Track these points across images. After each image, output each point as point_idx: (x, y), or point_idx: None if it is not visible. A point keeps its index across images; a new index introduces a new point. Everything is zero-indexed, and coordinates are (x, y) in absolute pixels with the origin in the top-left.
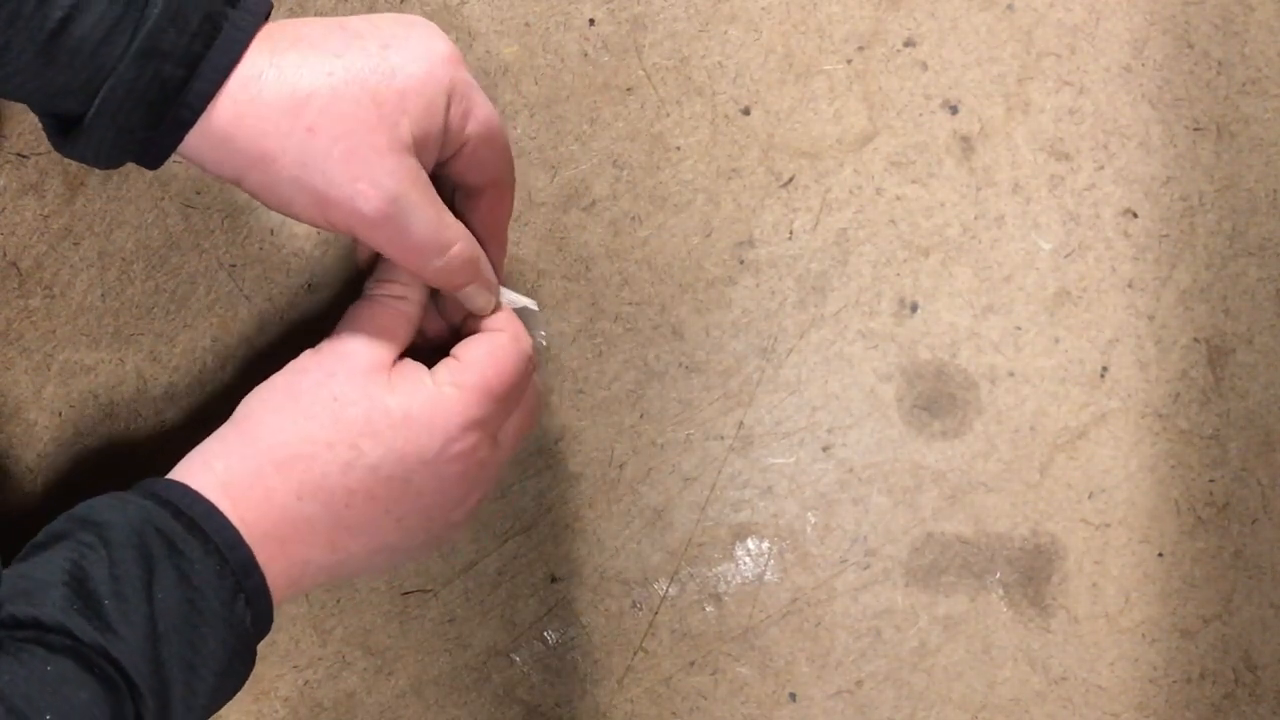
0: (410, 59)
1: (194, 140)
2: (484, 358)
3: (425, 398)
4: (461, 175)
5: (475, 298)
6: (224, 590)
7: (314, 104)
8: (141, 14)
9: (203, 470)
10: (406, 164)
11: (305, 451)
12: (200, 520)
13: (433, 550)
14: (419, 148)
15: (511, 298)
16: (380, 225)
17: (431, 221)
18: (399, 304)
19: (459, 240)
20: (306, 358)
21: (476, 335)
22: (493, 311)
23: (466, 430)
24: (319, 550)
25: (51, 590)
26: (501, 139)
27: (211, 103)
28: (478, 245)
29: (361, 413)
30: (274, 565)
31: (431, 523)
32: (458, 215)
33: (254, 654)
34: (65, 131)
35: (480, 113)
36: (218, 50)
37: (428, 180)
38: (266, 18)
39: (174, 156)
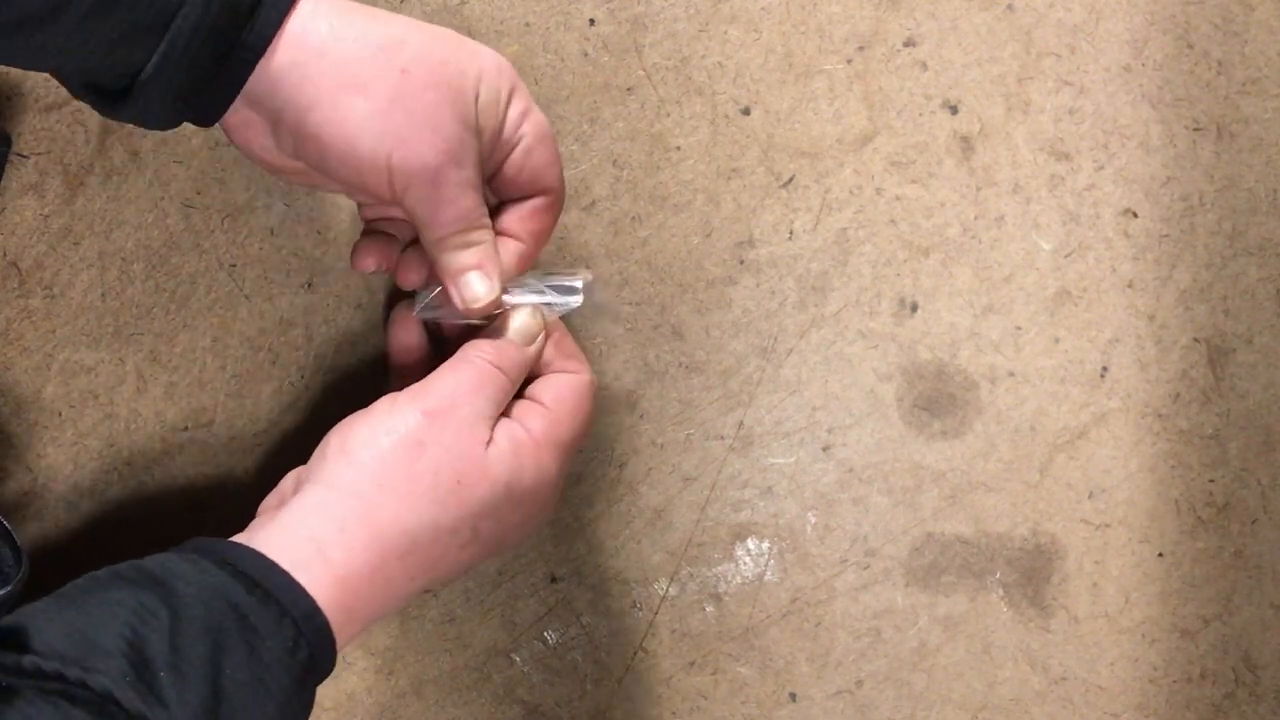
0: (484, 50)
1: (262, 75)
2: (571, 402)
3: (534, 463)
4: (514, 178)
5: (473, 287)
6: (295, 666)
7: (410, 48)
8: None
9: (316, 558)
10: (471, 138)
11: (427, 539)
12: (276, 592)
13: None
14: (481, 128)
15: (562, 282)
16: (433, 179)
17: (474, 195)
18: (502, 380)
19: (486, 226)
20: (420, 427)
21: (561, 378)
22: (481, 308)
23: (560, 487)
24: (399, 603)
25: (108, 656)
26: (553, 146)
27: (303, 15)
28: (494, 240)
29: (484, 495)
30: (352, 628)
31: (502, 548)
32: (506, 218)
33: (313, 697)
34: (119, 93)
35: (536, 116)
36: None
37: (480, 166)
38: None
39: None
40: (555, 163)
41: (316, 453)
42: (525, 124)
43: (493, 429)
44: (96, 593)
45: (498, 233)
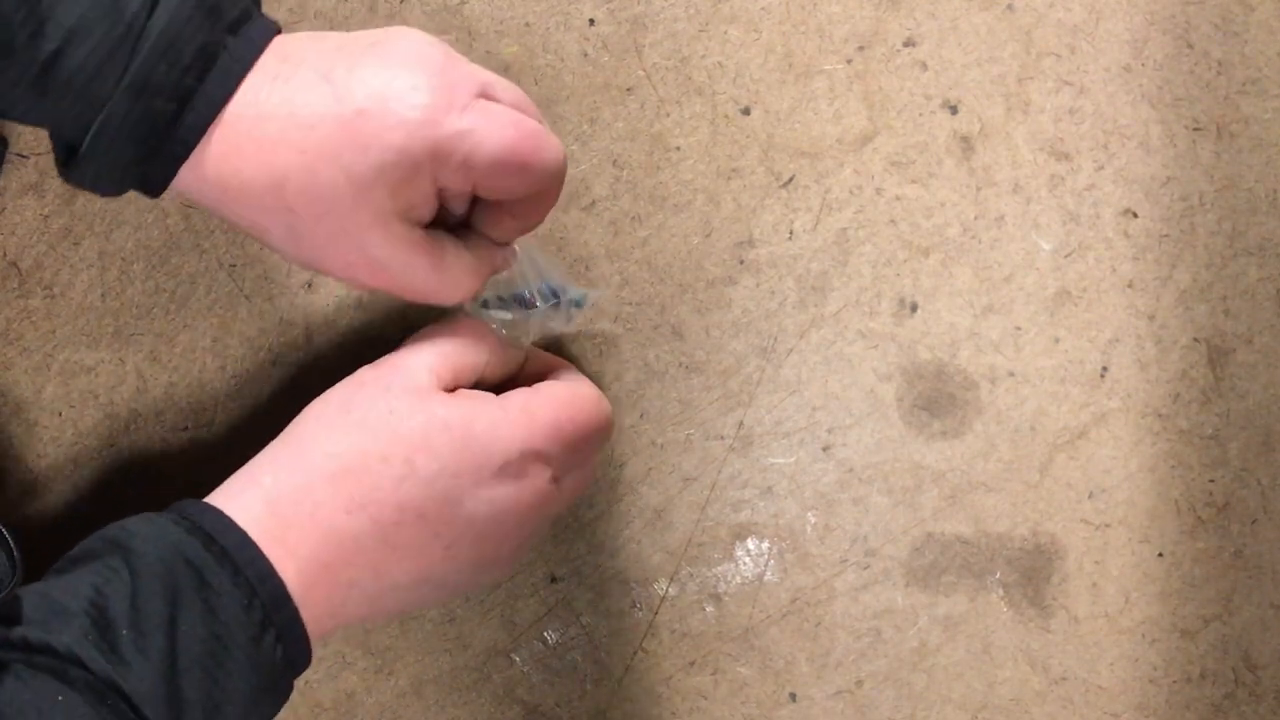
0: (385, 127)
1: (191, 180)
2: (562, 395)
3: (489, 417)
4: (494, 197)
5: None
6: (251, 625)
7: (291, 186)
8: (134, 47)
9: (250, 485)
10: (394, 231)
11: (357, 464)
12: (232, 551)
13: (473, 590)
14: (405, 211)
15: (572, 292)
16: (381, 285)
17: (429, 278)
18: (470, 327)
19: (462, 282)
20: (364, 372)
21: (560, 379)
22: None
23: (527, 457)
24: (364, 572)
25: (72, 619)
26: (519, 161)
27: (206, 141)
28: (481, 270)
29: (419, 425)
30: (316, 591)
31: (480, 555)
32: (493, 213)
33: (288, 688)
34: (67, 160)
35: (483, 155)
36: (211, 83)
37: (422, 237)
38: (269, 43)
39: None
40: (523, 178)
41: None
42: (471, 172)
43: (453, 386)
44: (67, 565)
45: (482, 233)
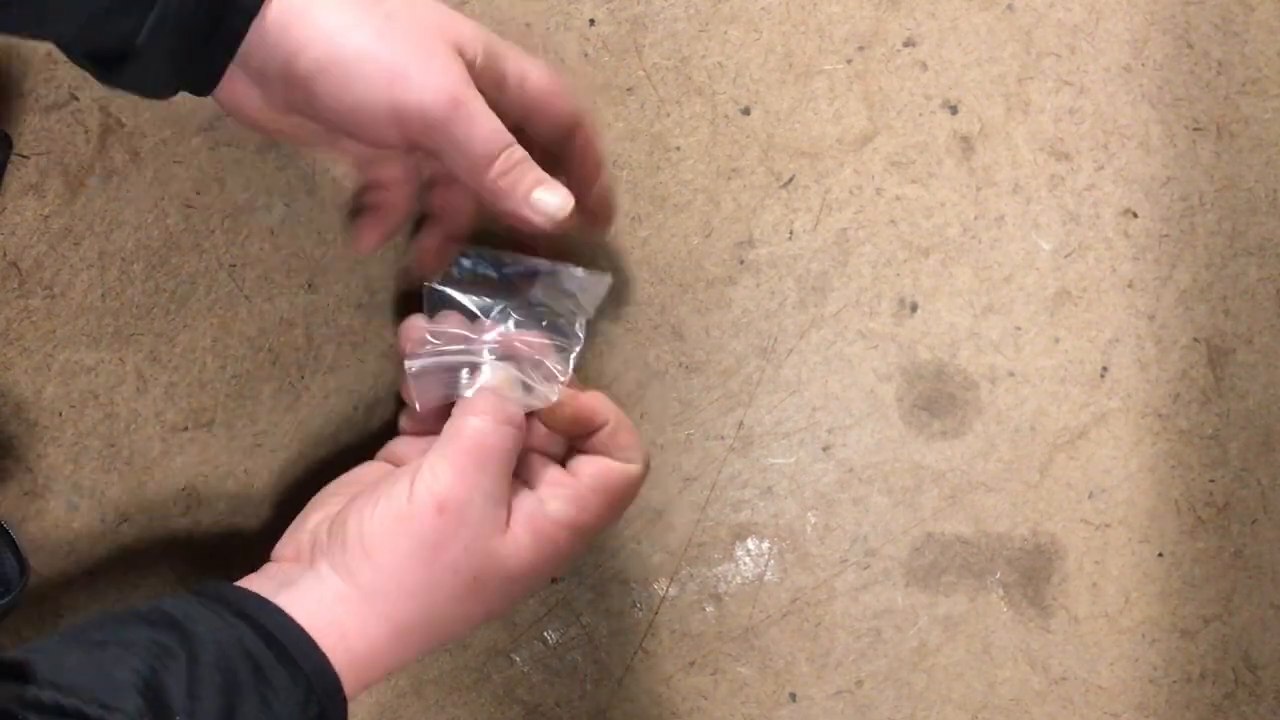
0: (463, 19)
1: (267, 31)
2: (608, 499)
3: (544, 551)
4: (536, 132)
5: (547, 202)
6: (306, 719)
7: (390, 3)
8: None
9: (340, 645)
10: (467, 74)
11: (444, 629)
12: (291, 648)
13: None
14: (476, 64)
15: (580, 277)
16: (446, 117)
17: (492, 119)
18: (505, 438)
19: (514, 141)
20: (436, 528)
21: (609, 464)
22: (566, 216)
23: (569, 560)
24: (408, 658)
25: (124, 694)
26: (559, 85)
27: (265, 11)
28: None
29: (499, 587)
30: (363, 676)
31: (512, 596)
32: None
33: None
34: (116, 60)
35: (529, 64)
36: None
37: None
38: None
39: (207, 111)
40: (564, 100)
41: (335, 528)
42: (521, 78)
43: (510, 507)
44: (112, 629)
45: None
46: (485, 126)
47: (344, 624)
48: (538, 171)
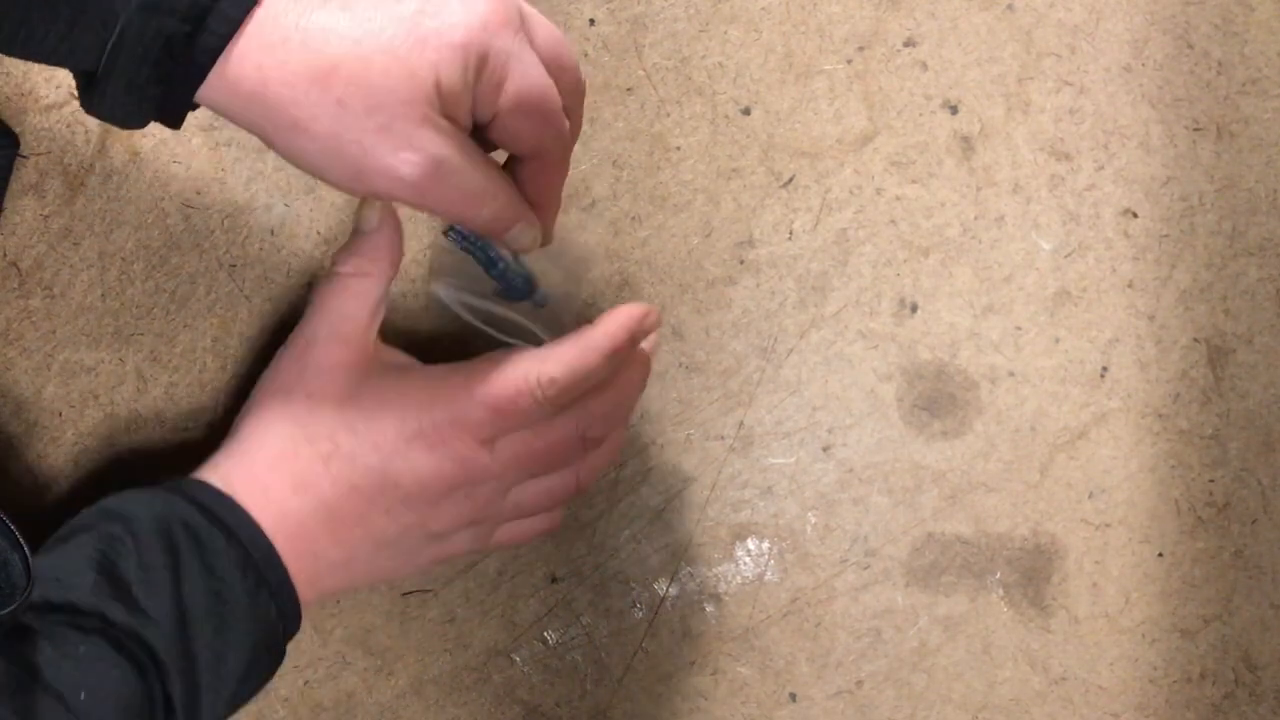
0: (446, 25)
1: (220, 95)
2: (489, 367)
3: (399, 387)
4: (500, 142)
5: (521, 238)
6: (248, 582)
7: (342, 75)
8: None
9: (210, 473)
10: (443, 128)
11: (289, 450)
12: (224, 515)
13: (444, 558)
14: (452, 109)
15: (571, 252)
16: (424, 188)
17: (474, 178)
18: (363, 283)
19: (502, 190)
20: (283, 358)
21: (507, 352)
22: (541, 244)
23: (439, 421)
24: (325, 544)
25: (83, 576)
26: (541, 109)
27: (233, 59)
28: (515, 191)
29: (334, 407)
30: (288, 561)
31: (421, 519)
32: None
33: (282, 650)
34: (88, 89)
35: (514, 85)
36: (227, 2)
37: (465, 137)
38: None
39: (207, 111)
40: (541, 128)
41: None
42: (500, 97)
43: (368, 348)
44: (59, 539)
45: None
46: (464, 188)
47: (214, 465)
48: (519, 213)
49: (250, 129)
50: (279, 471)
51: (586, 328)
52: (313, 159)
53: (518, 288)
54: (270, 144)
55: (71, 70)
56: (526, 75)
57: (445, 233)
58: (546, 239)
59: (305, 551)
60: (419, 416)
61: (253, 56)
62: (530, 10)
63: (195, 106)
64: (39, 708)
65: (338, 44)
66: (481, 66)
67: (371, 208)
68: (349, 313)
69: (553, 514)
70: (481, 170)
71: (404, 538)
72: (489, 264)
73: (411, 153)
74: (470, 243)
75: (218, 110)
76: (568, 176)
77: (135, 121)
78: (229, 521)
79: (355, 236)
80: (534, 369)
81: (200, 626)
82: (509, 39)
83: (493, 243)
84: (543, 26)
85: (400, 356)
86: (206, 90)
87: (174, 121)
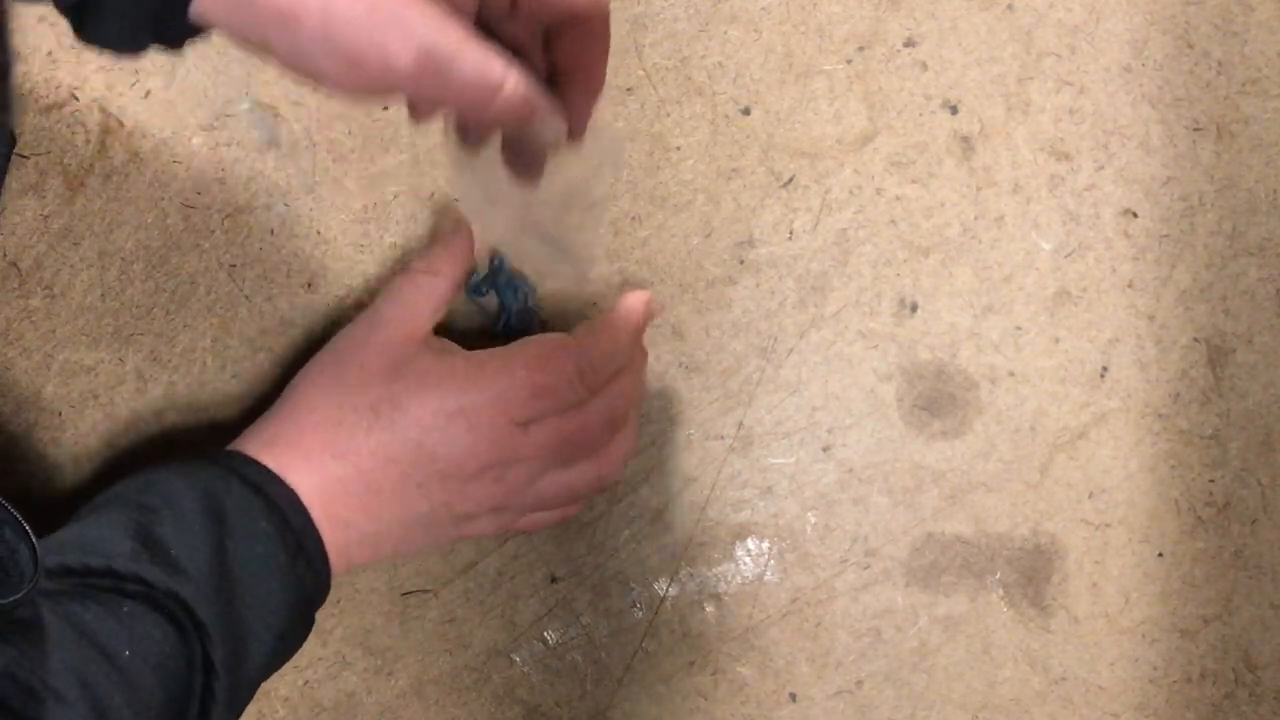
0: None
1: (212, 3)
2: (528, 351)
3: (443, 366)
4: (531, 14)
5: (543, 133)
6: (286, 549)
7: None
8: None
9: (251, 437)
10: (434, 11)
11: (334, 416)
12: (264, 485)
13: (466, 534)
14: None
15: (603, 137)
16: (421, 77)
17: (475, 65)
18: (433, 281)
19: (509, 78)
20: (345, 333)
21: (555, 336)
22: (566, 141)
23: (478, 401)
24: (357, 514)
25: (120, 544)
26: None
27: None
28: (530, 78)
29: (382, 380)
30: (321, 530)
31: (451, 496)
32: (545, 53)
33: (312, 619)
34: (84, 18)
35: None
36: None
37: (462, 21)
38: None
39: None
40: None
41: None
42: None
43: (422, 337)
44: (93, 510)
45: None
46: (463, 76)
47: (260, 427)
48: (533, 106)
49: (247, 35)
50: (321, 435)
51: (607, 313)
52: (309, 55)
53: (515, 328)
54: (267, 49)
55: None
56: None
57: (474, 287)
58: (578, 130)
59: (339, 521)
60: (459, 396)
61: None
62: None
63: (193, 30)
64: (88, 665)
65: None
66: None
67: (448, 217)
68: (414, 302)
69: (569, 506)
70: (481, 55)
71: (433, 515)
72: (502, 304)
73: (402, 38)
74: (494, 284)
75: (212, 23)
76: (608, 52)
77: (134, 44)
78: (269, 491)
79: (432, 241)
80: (572, 352)
81: (240, 590)
82: None
83: (517, 284)
84: None
85: (447, 344)
86: (198, 4)
87: (175, 38)
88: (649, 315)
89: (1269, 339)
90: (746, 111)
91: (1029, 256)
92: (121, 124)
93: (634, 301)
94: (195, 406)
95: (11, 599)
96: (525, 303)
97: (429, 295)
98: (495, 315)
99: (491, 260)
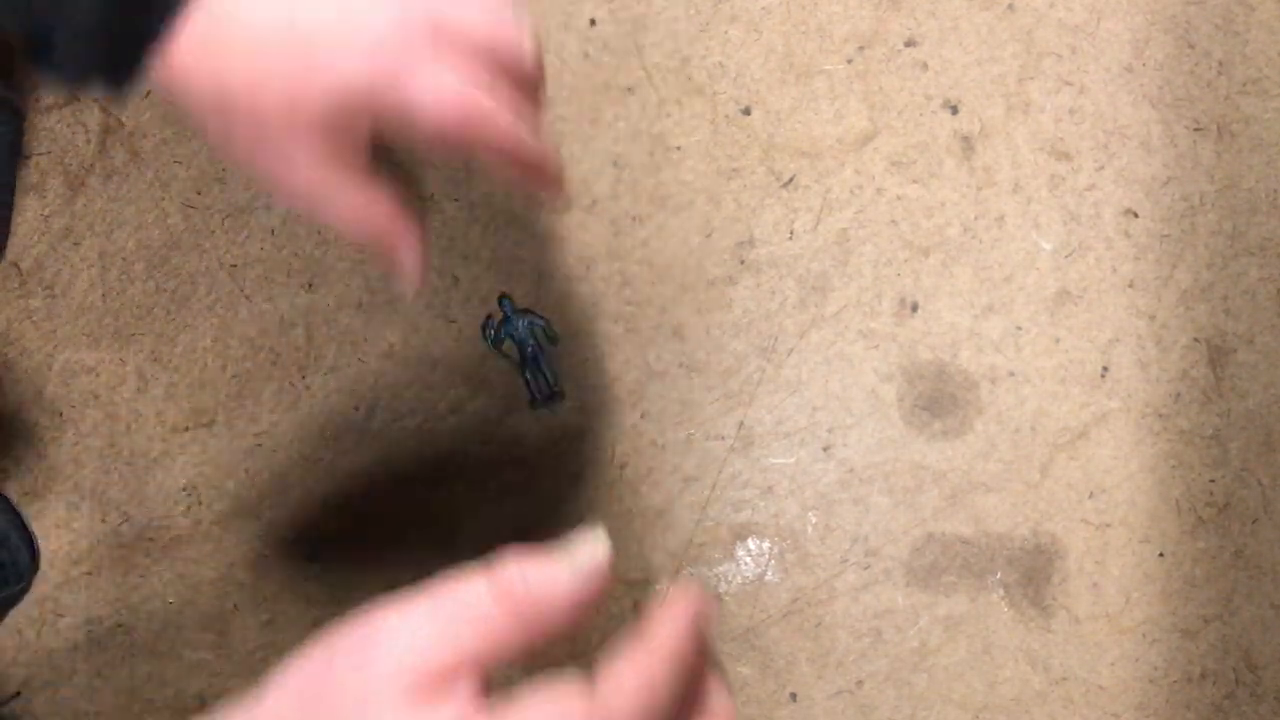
0: (339, 58)
1: (160, 76)
2: (544, 704)
3: None
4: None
5: (402, 269)
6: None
7: (240, 103)
8: None
9: None
10: (323, 151)
11: None
12: None
13: None
14: (339, 138)
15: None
16: (308, 207)
17: (347, 205)
18: (473, 612)
19: (378, 220)
20: (339, 649)
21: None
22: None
23: None
24: None
25: None
26: (462, 119)
27: (170, 41)
28: (403, 219)
29: None
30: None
31: None
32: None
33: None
34: (39, 50)
35: (422, 104)
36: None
37: (349, 162)
38: None
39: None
40: (469, 133)
41: None
42: (409, 114)
43: (438, 682)
44: None
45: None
46: (341, 212)
47: None
48: (398, 243)
49: (192, 114)
50: None
51: (642, 620)
52: (219, 151)
53: (539, 399)
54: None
55: (27, 34)
56: (432, 112)
57: (493, 340)
58: (553, 191)
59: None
60: None
61: (185, 39)
62: (449, 4)
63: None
64: None
65: (232, 62)
66: (375, 96)
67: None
68: (445, 634)
69: None
70: (356, 198)
71: None
72: (523, 366)
73: (291, 173)
74: (508, 330)
75: (168, 81)
76: (550, 166)
77: (80, 80)
78: None
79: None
80: (579, 711)
81: None
82: (412, 59)
83: (539, 355)
84: (468, 19)
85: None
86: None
87: (123, 83)
88: (704, 614)
89: (1270, 339)
90: (747, 111)
91: (1029, 256)
92: (121, 124)
93: (679, 599)
94: (195, 406)
95: (11, 590)
96: (537, 339)
97: (466, 629)
98: (524, 386)
99: (500, 303)
